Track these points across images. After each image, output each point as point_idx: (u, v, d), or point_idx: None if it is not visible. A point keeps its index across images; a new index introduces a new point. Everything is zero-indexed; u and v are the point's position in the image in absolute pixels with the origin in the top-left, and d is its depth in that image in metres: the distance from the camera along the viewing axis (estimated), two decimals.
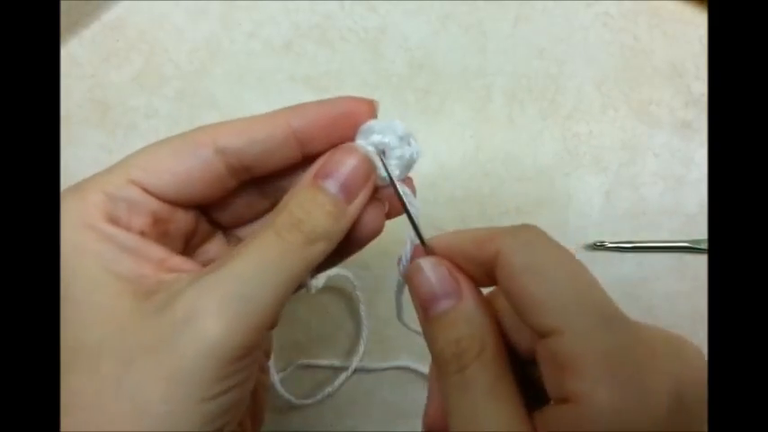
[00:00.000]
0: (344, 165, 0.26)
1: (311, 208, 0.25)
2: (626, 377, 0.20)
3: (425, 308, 0.25)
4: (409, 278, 0.26)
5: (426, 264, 0.26)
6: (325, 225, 0.25)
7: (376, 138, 0.27)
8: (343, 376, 0.47)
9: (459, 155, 0.49)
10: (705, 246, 0.47)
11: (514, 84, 0.50)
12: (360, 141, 0.28)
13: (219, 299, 0.23)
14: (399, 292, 0.30)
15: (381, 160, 0.28)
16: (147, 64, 0.49)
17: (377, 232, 0.29)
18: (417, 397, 0.47)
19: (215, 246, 0.30)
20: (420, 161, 0.49)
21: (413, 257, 0.27)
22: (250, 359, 0.24)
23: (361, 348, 0.47)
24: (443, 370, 0.24)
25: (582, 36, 0.50)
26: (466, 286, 0.25)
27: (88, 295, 0.24)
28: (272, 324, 0.25)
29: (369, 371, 0.47)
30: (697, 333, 0.48)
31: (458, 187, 0.48)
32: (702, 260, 0.48)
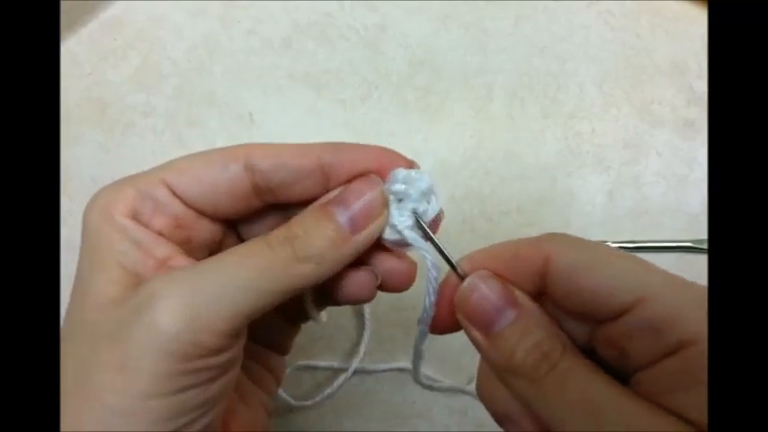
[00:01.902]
0: (358, 196, 0.26)
1: (311, 227, 0.25)
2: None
3: (487, 327, 0.25)
4: (461, 303, 0.25)
5: (475, 283, 0.25)
6: (321, 247, 0.25)
7: (397, 187, 0.27)
8: (342, 377, 0.46)
9: (460, 153, 0.48)
10: (708, 245, 0.47)
11: (515, 82, 0.49)
12: (384, 186, 0.27)
13: (180, 292, 0.22)
14: (419, 350, 0.29)
15: (419, 222, 0.27)
16: (146, 62, 0.49)
17: (365, 299, 0.28)
18: (417, 398, 0.47)
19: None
20: (420, 160, 0.49)
21: (444, 292, 0.26)
22: (211, 362, 0.23)
23: (361, 350, 0.46)
24: (532, 377, 0.23)
25: (583, 34, 0.50)
26: (519, 293, 0.25)
27: (90, 279, 0.24)
28: (237, 331, 0.24)
29: (369, 372, 0.47)
30: None
31: (458, 186, 0.48)
32: (705, 260, 0.47)
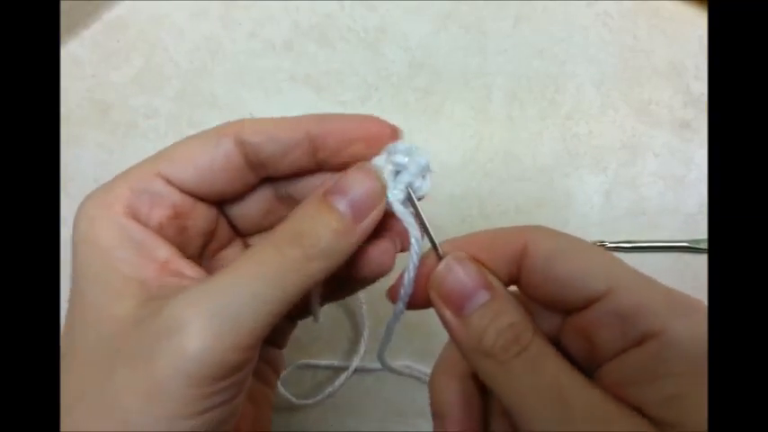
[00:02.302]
0: (357, 184, 0.25)
1: (315, 222, 0.24)
2: (685, 311, 0.22)
3: (460, 306, 0.25)
4: (436, 282, 0.26)
5: (452, 264, 0.26)
6: (328, 241, 0.24)
7: (399, 158, 0.27)
8: (343, 376, 0.47)
9: (459, 154, 0.49)
10: (705, 246, 0.47)
11: (514, 83, 0.50)
12: (379, 159, 0.27)
13: (204, 313, 0.22)
14: (391, 330, 0.29)
15: (411, 197, 0.27)
16: (148, 64, 0.49)
17: (386, 269, 0.28)
18: (417, 397, 0.47)
19: (233, 252, 0.30)
20: None
21: (421, 270, 0.27)
22: (236, 378, 0.23)
23: (362, 348, 0.47)
24: (502, 358, 0.23)
25: (582, 36, 0.50)
26: (493, 278, 0.25)
27: (92, 292, 0.24)
28: (258, 341, 0.24)
29: (369, 371, 0.47)
30: None
31: (457, 186, 0.48)
32: (702, 260, 0.48)
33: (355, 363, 0.47)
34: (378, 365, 0.47)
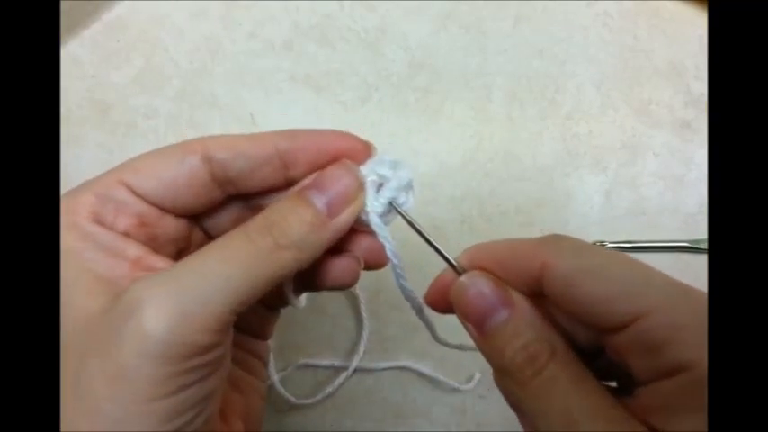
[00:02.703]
0: (334, 179, 0.26)
1: (288, 214, 0.25)
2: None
3: (480, 324, 0.25)
4: (456, 298, 0.26)
5: (471, 280, 0.25)
6: (299, 233, 0.24)
7: (383, 170, 0.27)
8: (343, 376, 0.47)
9: (459, 154, 0.49)
10: (705, 246, 0.47)
11: (514, 83, 0.50)
12: (362, 168, 0.27)
13: (164, 293, 0.22)
14: (425, 319, 0.29)
15: (400, 211, 0.27)
16: (148, 64, 0.49)
17: (347, 285, 0.29)
18: (417, 397, 0.47)
19: None
20: (420, 160, 0.49)
21: (439, 283, 0.27)
22: (205, 359, 0.23)
23: (362, 348, 0.47)
24: (518, 378, 0.23)
25: (582, 36, 0.50)
26: (516, 294, 0.25)
27: (65, 294, 0.24)
28: (226, 325, 0.24)
29: (369, 371, 0.47)
30: None
31: (458, 187, 0.48)
32: (702, 260, 0.48)
33: (355, 363, 0.47)
34: (377, 365, 0.47)
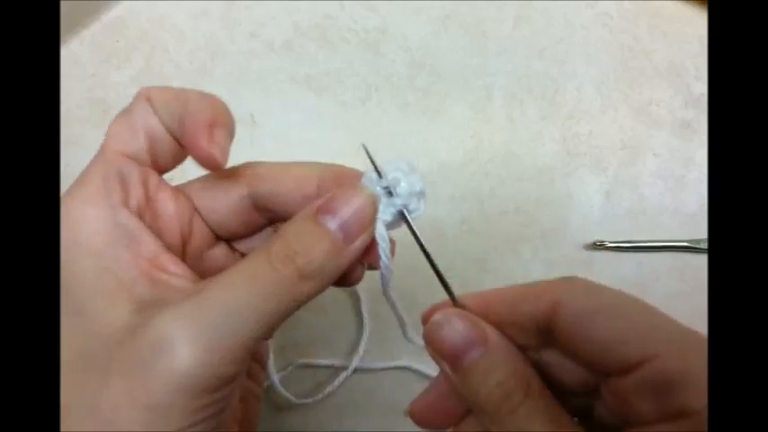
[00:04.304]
0: (348, 204, 0.25)
1: (308, 242, 0.24)
2: None
3: (454, 362, 0.24)
4: (430, 336, 0.25)
5: (445, 318, 0.25)
6: (321, 262, 0.24)
7: (396, 174, 0.27)
8: (343, 376, 0.47)
9: (460, 154, 0.49)
10: (705, 245, 0.47)
11: (514, 84, 0.50)
12: (371, 176, 0.27)
13: (195, 328, 0.22)
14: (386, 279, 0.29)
15: (405, 215, 0.27)
16: (148, 64, 0.49)
17: (354, 282, 0.28)
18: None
19: (220, 253, 0.30)
20: (420, 160, 0.49)
21: (436, 310, 0.26)
22: (230, 388, 0.23)
23: (362, 348, 0.47)
24: (494, 416, 0.23)
25: (582, 36, 0.50)
26: (491, 331, 0.25)
27: (87, 298, 0.24)
28: (250, 353, 0.24)
29: (369, 371, 0.47)
30: None
31: (458, 187, 0.48)
32: (702, 260, 0.48)
33: (355, 362, 0.47)
34: (378, 365, 0.47)
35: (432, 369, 0.47)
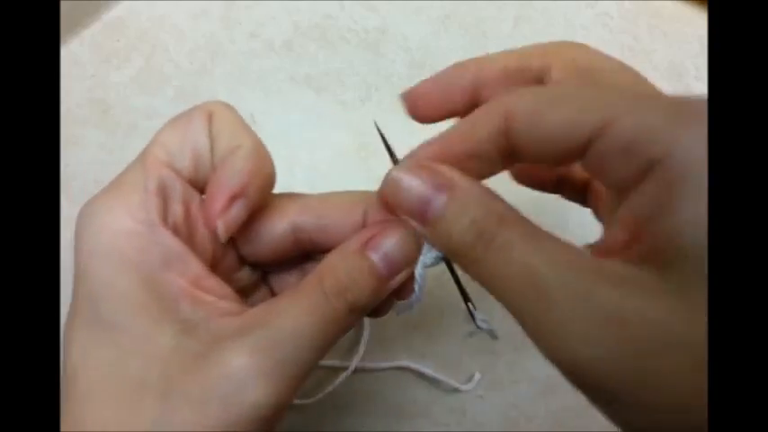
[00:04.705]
0: (395, 242, 0.25)
1: (359, 278, 0.25)
2: (688, 122, 0.20)
3: (422, 218, 0.24)
4: (391, 196, 0.25)
5: (400, 173, 0.24)
6: (367, 298, 0.25)
7: None
8: (343, 376, 0.47)
9: None
10: None
11: None
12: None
13: (270, 363, 0.23)
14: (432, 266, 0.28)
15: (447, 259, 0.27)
16: (148, 64, 0.49)
17: (381, 314, 0.29)
18: (417, 397, 0.47)
19: (244, 272, 0.30)
20: None
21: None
22: (283, 413, 0.25)
23: (362, 348, 0.47)
24: (471, 258, 0.23)
25: (582, 36, 0.50)
26: (456, 174, 0.24)
27: (127, 318, 0.23)
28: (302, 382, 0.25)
29: (369, 370, 0.47)
30: None
31: None
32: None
33: (355, 362, 0.47)
34: (377, 365, 0.47)
35: (431, 369, 0.47)
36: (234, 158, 0.25)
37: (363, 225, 0.27)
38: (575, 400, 0.49)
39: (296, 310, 0.24)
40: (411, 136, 0.51)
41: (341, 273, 0.25)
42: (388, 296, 0.26)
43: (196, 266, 0.25)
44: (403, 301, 0.28)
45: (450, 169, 0.24)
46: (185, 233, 0.26)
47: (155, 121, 0.48)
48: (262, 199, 0.26)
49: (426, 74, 0.50)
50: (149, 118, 0.49)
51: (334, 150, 0.48)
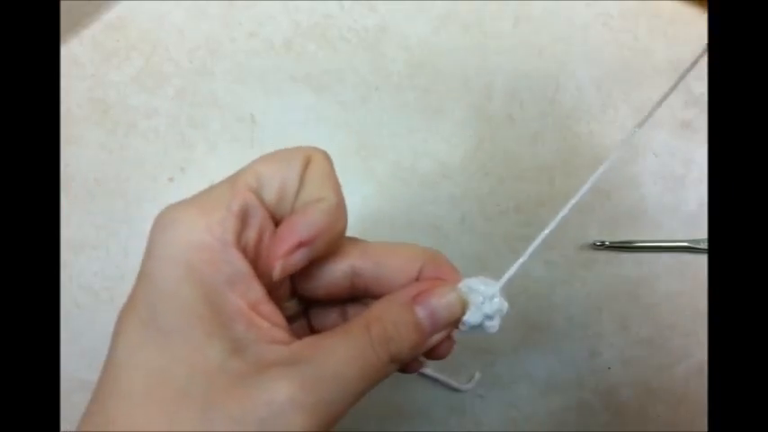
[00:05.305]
0: (443, 302, 0.27)
1: (403, 330, 0.26)
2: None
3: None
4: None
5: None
6: (408, 350, 0.26)
7: (482, 293, 0.29)
8: None
9: (460, 154, 0.49)
10: (705, 245, 0.47)
11: (514, 83, 0.50)
12: (471, 284, 0.29)
13: (313, 399, 0.23)
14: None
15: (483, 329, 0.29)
16: (148, 63, 0.49)
17: (413, 371, 0.30)
18: (417, 397, 0.47)
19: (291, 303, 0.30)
20: (420, 161, 0.49)
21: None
22: None
23: None
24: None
25: (582, 36, 0.50)
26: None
27: (183, 326, 0.23)
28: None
29: None
30: (697, 333, 0.48)
31: (457, 186, 0.48)
32: (702, 260, 0.48)
33: None
34: None
35: (431, 369, 0.47)
36: (313, 209, 0.26)
37: (417, 279, 0.28)
38: (575, 400, 0.50)
39: (342, 352, 0.25)
40: (411, 136, 0.52)
41: (388, 323, 0.26)
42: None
43: (257, 291, 0.25)
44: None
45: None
46: (253, 258, 0.26)
47: (154, 121, 0.49)
48: (327, 251, 0.27)
49: (426, 74, 0.50)
50: (149, 117, 0.49)
51: (335, 150, 0.48)
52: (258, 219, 0.26)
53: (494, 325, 0.29)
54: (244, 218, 0.25)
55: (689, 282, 0.48)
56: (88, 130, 0.48)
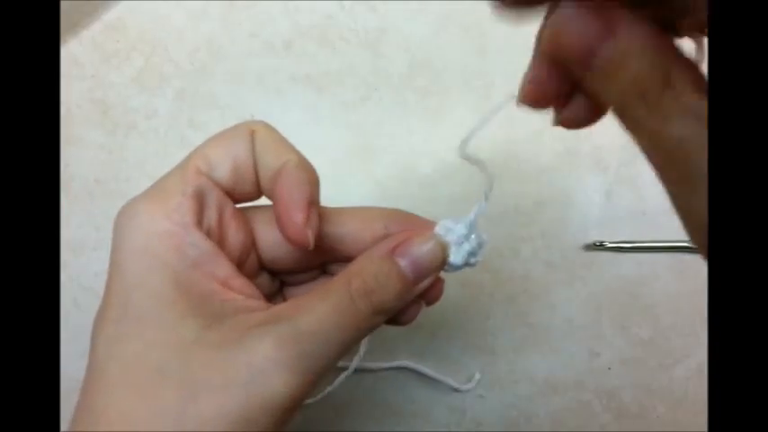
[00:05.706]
0: (424, 252, 0.27)
1: (385, 282, 0.26)
2: None
3: (583, 64, 0.22)
4: (552, 38, 0.23)
5: (566, 15, 0.21)
6: (393, 301, 0.26)
7: (463, 231, 0.30)
8: (343, 376, 0.47)
9: (460, 154, 0.49)
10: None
11: (514, 83, 0.50)
12: (443, 226, 0.30)
13: (295, 355, 0.23)
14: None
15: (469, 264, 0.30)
16: (148, 64, 0.49)
17: (407, 322, 0.30)
18: (417, 397, 0.47)
19: (262, 278, 0.31)
20: (420, 161, 0.49)
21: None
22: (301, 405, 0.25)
23: (362, 348, 0.47)
24: (630, 117, 0.22)
25: None
26: (624, 17, 0.21)
27: (154, 312, 0.24)
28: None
29: (369, 371, 0.47)
30: (697, 333, 0.48)
31: (457, 186, 0.48)
32: (702, 260, 0.48)
33: (355, 363, 0.47)
34: (378, 365, 0.47)
35: (431, 369, 0.47)
36: (289, 171, 0.26)
37: (384, 237, 0.28)
38: (574, 400, 0.50)
39: (321, 308, 0.25)
40: (411, 136, 0.51)
41: (368, 275, 0.26)
42: (411, 303, 0.28)
43: (226, 267, 0.26)
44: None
45: (620, 10, 0.21)
46: (217, 237, 0.27)
47: (154, 121, 0.49)
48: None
49: (426, 74, 0.50)
50: (149, 118, 0.49)
51: (335, 150, 0.48)
52: (214, 199, 0.26)
53: (477, 259, 0.30)
54: (200, 200, 0.26)
55: (689, 282, 0.48)
56: (88, 131, 0.48)
